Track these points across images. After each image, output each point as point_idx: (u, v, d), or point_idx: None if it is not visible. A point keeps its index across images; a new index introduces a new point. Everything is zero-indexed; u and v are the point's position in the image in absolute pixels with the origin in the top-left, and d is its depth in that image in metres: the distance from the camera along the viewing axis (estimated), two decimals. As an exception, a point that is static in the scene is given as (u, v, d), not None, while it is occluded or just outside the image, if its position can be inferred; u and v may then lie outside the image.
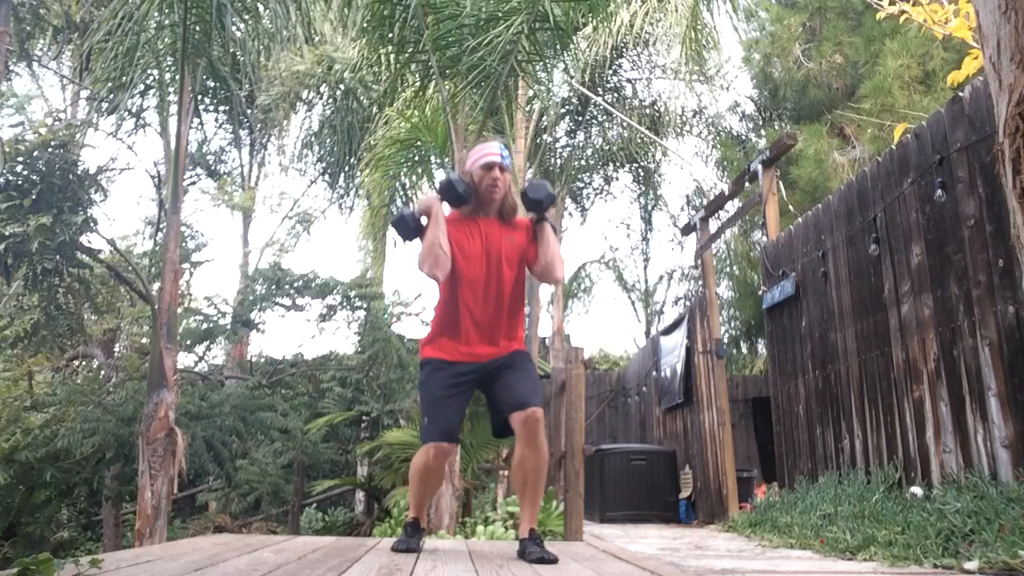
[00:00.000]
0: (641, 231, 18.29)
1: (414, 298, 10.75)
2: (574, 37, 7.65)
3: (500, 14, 5.66)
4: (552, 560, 2.63)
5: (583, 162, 13.73)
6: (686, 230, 10.00)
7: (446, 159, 6.84)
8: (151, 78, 7.03)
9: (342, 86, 12.73)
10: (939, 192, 4.50)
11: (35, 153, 7.35)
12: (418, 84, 6.88)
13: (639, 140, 13.16)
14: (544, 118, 12.42)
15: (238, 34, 7.02)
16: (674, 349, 9.27)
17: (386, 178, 8.03)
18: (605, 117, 13.20)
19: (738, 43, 14.05)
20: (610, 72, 12.87)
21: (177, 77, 6.59)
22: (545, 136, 12.99)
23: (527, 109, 10.71)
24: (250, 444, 9.31)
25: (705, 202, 11.82)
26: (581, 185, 14.99)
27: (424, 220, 2.95)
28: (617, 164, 14.32)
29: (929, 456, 4.61)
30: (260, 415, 8.84)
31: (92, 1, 11.00)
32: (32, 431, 8.27)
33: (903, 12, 5.43)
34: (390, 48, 6.67)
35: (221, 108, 12.23)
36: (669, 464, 8.72)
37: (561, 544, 3.80)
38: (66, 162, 7.46)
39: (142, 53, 6.42)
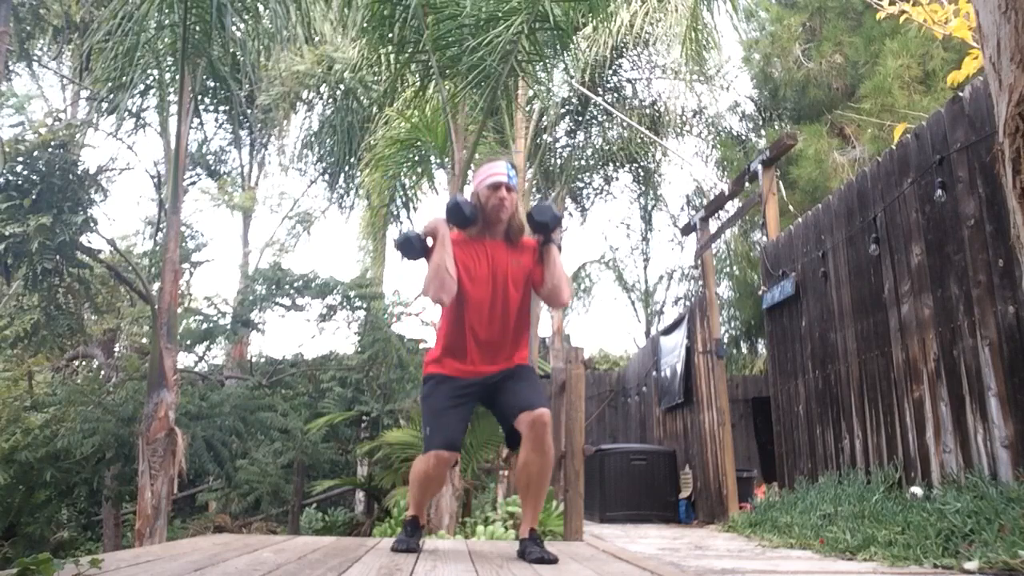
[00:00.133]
0: (641, 231, 18.31)
1: (414, 298, 10.75)
2: (574, 37, 7.65)
3: (500, 14, 5.66)
4: (552, 560, 2.63)
5: (583, 162, 13.73)
6: (686, 230, 10.00)
7: (446, 159, 6.84)
8: (151, 78, 7.03)
9: (342, 86, 12.73)
10: (939, 192, 4.50)
11: (35, 153, 7.35)
12: (418, 84, 6.88)
13: (639, 140, 13.17)
14: (544, 118, 12.42)
15: (238, 34, 7.02)
16: (674, 349, 9.27)
17: (386, 178, 8.02)
18: (605, 117, 13.21)
19: (738, 43, 14.06)
20: (610, 72, 12.88)
21: (177, 77, 6.59)
22: (545, 136, 13.00)
23: (527, 109, 10.71)
24: (250, 444, 9.31)
25: (705, 202, 11.82)
26: (581, 185, 14.99)
27: (430, 242, 2.91)
28: (617, 164, 14.32)
29: (929, 456, 4.61)
30: (260, 415, 8.84)
31: (92, 1, 11.00)
32: (32, 431, 8.27)
33: (903, 12, 5.43)
34: (390, 48, 6.67)
35: (221, 108, 12.24)
36: (669, 464, 8.72)
37: (561, 544, 3.80)
38: (66, 162, 7.46)
39: (142, 53, 6.42)
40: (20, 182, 7.31)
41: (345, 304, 10.39)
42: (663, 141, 13.35)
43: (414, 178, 8.01)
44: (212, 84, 7.81)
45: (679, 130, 13.82)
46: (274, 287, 10.10)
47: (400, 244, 2.96)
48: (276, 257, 16.52)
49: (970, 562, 3.21)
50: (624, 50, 12.48)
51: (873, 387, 5.29)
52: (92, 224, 7.66)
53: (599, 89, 12.77)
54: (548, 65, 6.78)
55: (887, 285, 5.17)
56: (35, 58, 12.85)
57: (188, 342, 10.45)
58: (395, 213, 8.38)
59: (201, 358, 12.39)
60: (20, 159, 7.35)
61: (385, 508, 7.36)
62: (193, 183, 15.22)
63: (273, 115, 14.15)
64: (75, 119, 11.47)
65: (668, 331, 9.87)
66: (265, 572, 2.16)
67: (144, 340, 11.38)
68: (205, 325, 10.26)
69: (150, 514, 5.86)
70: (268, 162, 16.65)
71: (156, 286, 7.15)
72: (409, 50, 6.46)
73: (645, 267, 18.70)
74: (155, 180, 12.30)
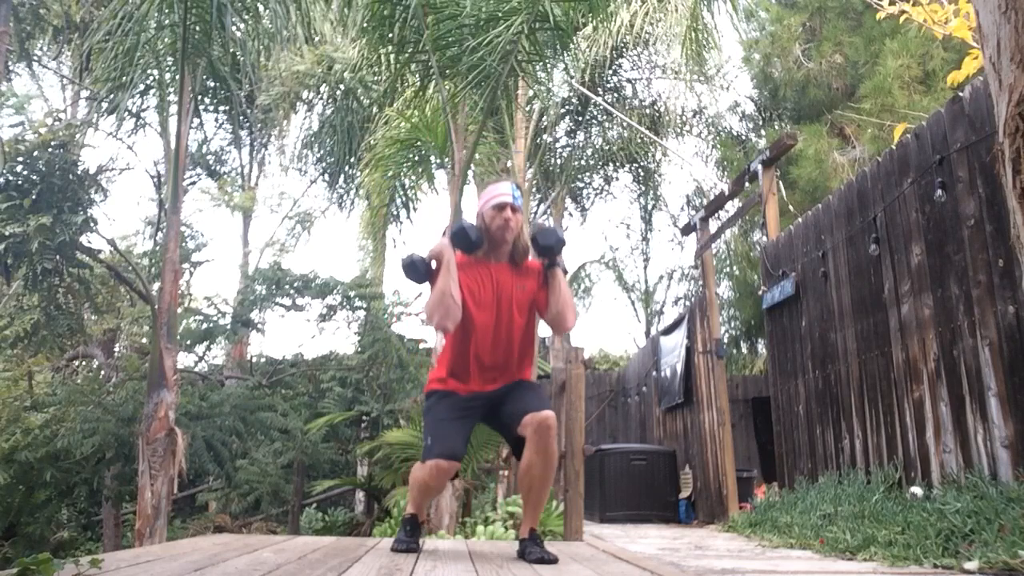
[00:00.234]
0: (641, 231, 18.31)
1: (414, 298, 10.75)
2: (574, 37, 7.65)
3: (500, 14, 5.66)
4: (552, 560, 2.63)
5: (583, 162, 13.73)
6: (686, 230, 10.00)
7: (446, 159, 6.84)
8: (151, 78, 7.03)
9: (342, 86, 12.73)
10: (939, 192, 4.50)
11: (35, 153, 7.35)
12: (418, 84, 6.88)
13: (639, 140, 13.17)
14: (544, 118, 12.42)
15: (238, 34, 7.02)
16: (674, 349, 9.27)
17: (386, 178, 8.02)
18: (605, 117, 13.21)
19: (738, 43, 14.05)
20: (610, 72, 12.88)
21: (177, 77, 6.59)
22: (545, 136, 13.00)
23: (527, 109, 10.71)
24: (250, 444, 9.31)
25: (705, 202, 11.82)
26: (581, 185, 15.00)
27: (434, 265, 2.87)
28: (617, 164, 14.33)
29: (929, 456, 4.61)
30: (260, 415, 8.85)
31: (92, 1, 11.00)
32: (32, 431, 8.27)
33: (903, 12, 5.43)
34: (390, 48, 6.67)
35: (221, 108, 12.25)
36: (669, 464, 8.72)
37: (561, 544, 3.80)
38: (66, 162, 7.46)
39: (142, 53, 6.42)
40: (20, 182, 7.31)
41: (345, 304, 10.39)
42: (663, 141, 13.35)
43: (414, 178, 8.01)
44: (212, 84, 7.82)
45: (679, 130, 13.83)
46: (274, 287, 10.10)
47: (405, 267, 2.92)
48: (276, 257, 16.53)
49: (970, 562, 3.21)
50: (624, 50, 12.48)
51: (873, 387, 5.29)
52: (92, 224, 7.66)
53: (599, 89, 12.77)
54: (548, 65, 6.78)
55: (887, 285, 5.17)
56: (35, 58, 12.85)
57: (188, 342, 10.45)
58: (395, 213, 8.38)
59: (201, 358, 12.40)
60: (20, 159, 7.35)
61: (385, 508, 7.37)
62: (193, 183, 15.23)
63: (273, 115, 14.16)
64: (75, 119, 11.48)
65: (668, 331, 9.87)
66: (265, 572, 2.16)
67: (144, 340, 11.38)
68: (205, 325, 10.26)
69: (150, 514, 5.86)
70: (268, 162, 16.66)
71: (156, 286, 7.15)
72: (409, 50, 6.46)
73: (645, 267, 18.71)
74: (155, 180, 12.30)
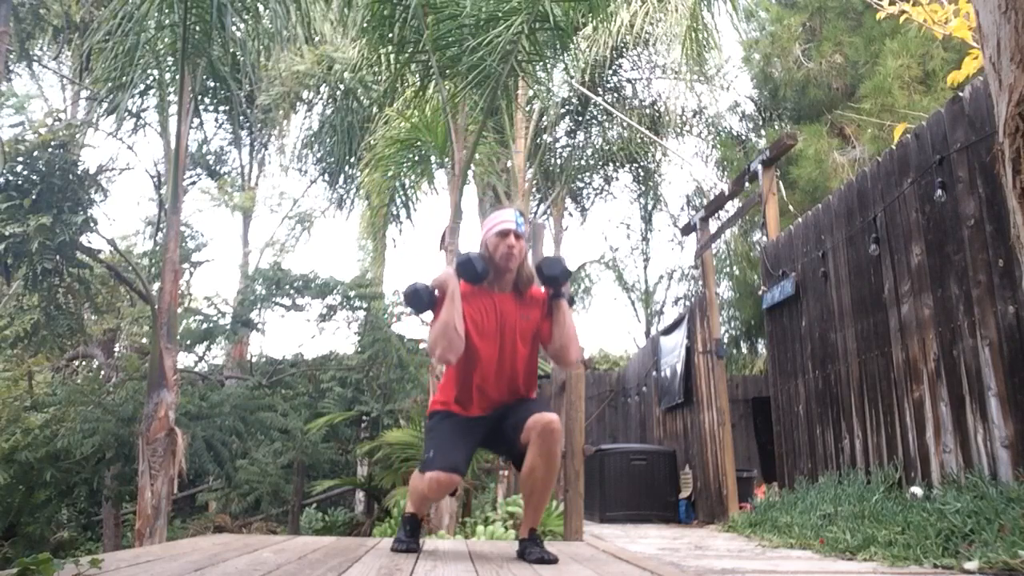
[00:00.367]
0: (641, 231, 18.30)
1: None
2: (574, 37, 7.65)
3: (500, 14, 5.66)
4: (552, 560, 2.63)
5: (583, 162, 13.73)
6: (686, 230, 10.00)
7: (446, 159, 6.84)
8: (151, 78, 7.03)
9: (342, 86, 12.74)
10: (939, 192, 4.50)
11: (35, 153, 7.35)
12: (418, 84, 6.88)
13: (639, 140, 13.17)
14: (544, 118, 12.43)
15: (238, 34, 7.02)
16: (674, 349, 9.27)
17: (386, 178, 8.03)
18: (605, 117, 13.21)
19: (738, 43, 14.04)
20: (610, 72, 12.88)
21: (177, 77, 6.59)
22: (545, 136, 13.00)
23: (527, 109, 10.72)
24: (250, 444, 9.32)
25: (705, 202, 11.82)
26: (581, 185, 15.00)
27: (437, 293, 2.84)
28: (617, 164, 14.33)
29: (929, 456, 4.61)
30: (260, 415, 8.85)
31: (92, 1, 11.00)
32: (32, 431, 8.28)
33: (903, 12, 5.43)
34: (390, 48, 6.67)
35: (221, 108, 12.24)
36: (669, 464, 8.72)
37: (561, 544, 3.80)
38: (66, 162, 7.47)
39: (142, 53, 6.42)
40: (20, 182, 7.31)
41: (345, 304, 10.40)
42: (663, 141, 13.35)
43: (414, 178, 8.01)
44: (212, 84, 7.82)
45: (679, 130, 13.83)
46: (274, 287, 10.11)
47: (408, 295, 2.89)
48: (276, 257, 16.54)
49: (970, 562, 3.21)
50: (624, 50, 12.48)
51: (873, 387, 5.29)
52: (92, 224, 7.66)
53: (599, 89, 12.77)
54: (548, 65, 6.78)
55: (887, 285, 5.17)
56: (35, 58, 12.86)
57: (188, 342, 10.46)
58: (395, 213, 8.38)
59: (201, 358, 12.41)
60: (20, 159, 7.35)
61: (385, 508, 7.37)
62: (193, 183, 15.24)
63: (273, 115, 14.16)
64: (75, 119, 11.48)
65: (668, 331, 9.87)
66: (265, 572, 2.16)
67: (144, 340, 11.39)
68: (205, 325, 10.27)
69: (150, 514, 5.86)
70: (268, 162, 16.67)
71: (156, 286, 7.15)
72: (409, 50, 6.46)
73: (645, 267, 18.71)
74: (155, 180, 12.30)
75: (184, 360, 11.45)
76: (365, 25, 6.54)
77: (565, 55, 6.92)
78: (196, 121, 8.05)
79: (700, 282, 10.35)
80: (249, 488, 9.46)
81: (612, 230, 29.33)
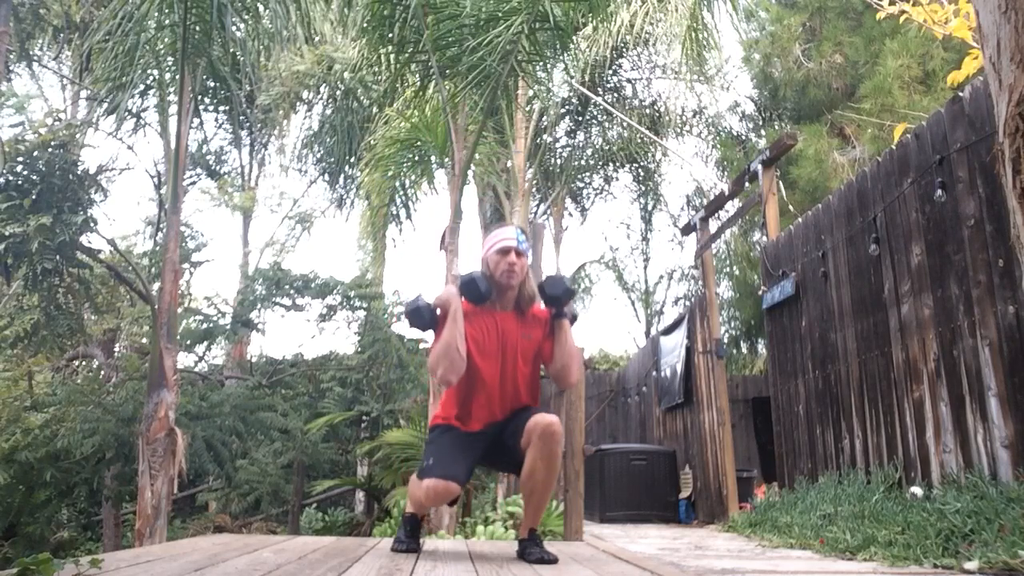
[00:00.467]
0: (641, 231, 18.30)
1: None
2: (574, 37, 7.65)
3: (500, 14, 5.66)
4: (552, 560, 2.63)
5: (583, 162, 13.73)
6: (686, 230, 10.00)
7: (446, 159, 6.84)
8: (151, 78, 7.03)
9: (342, 86, 12.74)
10: (939, 192, 4.50)
11: (35, 153, 7.36)
12: (418, 84, 6.88)
13: (639, 140, 13.17)
14: (544, 118, 12.42)
15: (238, 34, 7.02)
16: (674, 349, 9.27)
17: (386, 178, 8.03)
18: (605, 117, 13.21)
19: (738, 43, 14.05)
20: (610, 72, 12.88)
21: (177, 77, 6.59)
22: (545, 136, 13.00)
23: (527, 109, 10.72)
24: (250, 444, 9.32)
25: (705, 202, 11.83)
26: (581, 185, 14.99)
27: (439, 311, 2.81)
28: (617, 164, 14.33)
29: (929, 456, 4.61)
30: (260, 415, 8.86)
31: (92, 1, 11.00)
32: (32, 431, 8.28)
33: (903, 12, 5.43)
34: (390, 48, 6.67)
35: (221, 108, 12.24)
36: (669, 464, 8.72)
37: (561, 544, 3.80)
38: (66, 162, 7.47)
39: (142, 53, 6.42)
40: (20, 182, 7.31)
41: (345, 304, 10.41)
42: (663, 141, 13.35)
43: (414, 178, 8.01)
44: (212, 84, 7.81)
45: (679, 130, 13.82)
46: (274, 287, 10.12)
47: (410, 312, 2.86)
48: (276, 257, 16.55)
49: (970, 562, 3.21)
50: (624, 50, 12.48)
51: (873, 387, 5.29)
52: (92, 224, 7.66)
53: (599, 89, 12.77)
54: (548, 65, 6.77)
55: (887, 285, 5.17)
56: (35, 58, 12.86)
57: (188, 342, 10.46)
58: (395, 213, 8.39)
59: (201, 358, 12.41)
60: (20, 159, 7.35)
61: (385, 508, 7.37)
62: (193, 183, 15.25)
63: (273, 115, 14.17)
64: (75, 119, 11.48)
65: (668, 331, 9.87)
66: (265, 572, 2.16)
67: (144, 340, 11.39)
68: (205, 325, 10.28)
69: (150, 514, 5.86)
70: (268, 162, 16.67)
71: (156, 286, 7.15)
72: (409, 50, 6.46)
73: (645, 267, 18.70)
74: (155, 180, 12.30)
75: (184, 360, 11.47)
76: (365, 25, 6.54)
77: (565, 55, 6.92)
78: (196, 121, 8.05)
79: (700, 282, 10.36)
80: (249, 488, 9.47)
81: (612, 230, 29.35)
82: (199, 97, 7.29)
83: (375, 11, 6.30)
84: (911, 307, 4.88)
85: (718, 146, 13.63)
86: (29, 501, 8.49)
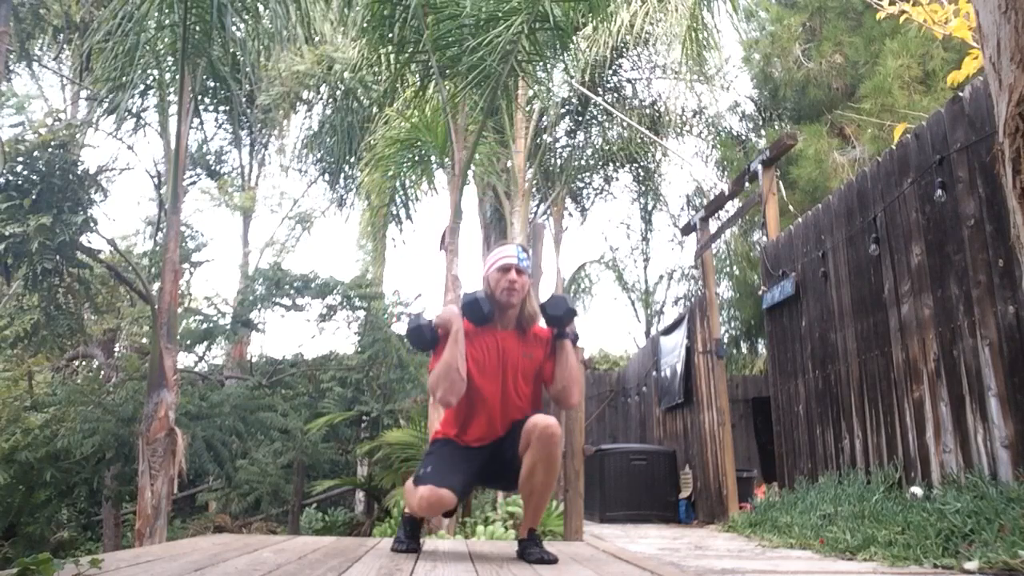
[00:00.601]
0: (641, 231, 18.29)
1: (414, 298, 10.75)
2: (574, 37, 7.65)
3: (500, 14, 5.66)
4: (552, 560, 2.63)
5: (583, 162, 13.72)
6: (686, 230, 10.00)
7: (446, 159, 6.84)
8: (151, 78, 7.03)
9: (342, 86, 12.74)
10: (939, 192, 4.50)
11: (35, 153, 7.35)
12: (418, 84, 6.89)
13: (639, 140, 13.16)
14: (544, 118, 12.42)
15: (238, 34, 7.02)
16: (674, 349, 9.27)
17: (386, 178, 8.03)
18: (605, 117, 13.20)
19: (738, 43, 14.05)
20: (610, 72, 12.86)
21: (177, 77, 6.59)
22: (545, 136, 12.99)
23: (527, 109, 10.71)
24: (250, 444, 9.32)
25: (705, 202, 11.82)
26: (581, 185, 14.98)
27: (440, 332, 2.79)
28: (617, 164, 14.31)
29: (929, 456, 4.61)
30: (260, 415, 8.85)
31: (92, 1, 11.00)
32: (32, 431, 8.28)
33: (903, 12, 5.43)
34: (390, 48, 6.67)
35: (221, 108, 12.23)
36: (669, 464, 8.72)
37: (561, 544, 3.80)
38: (66, 162, 7.47)
39: (142, 53, 6.42)
40: (20, 182, 7.31)
41: (345, 304, 10.40)
42: (663, 141, 13.34)
43: (414, 178, 8.01)
44: (212, 84, 7.81)
45: (679, 130, 13.81)
46: (274, 287, 10.11)
47: (411, 331, 2.83)
48: (276, 257, 16.55)
49: (970, 562, 3.21)
50: (624, 50, 12.47)
51: (873, 387, 5.29)
52: (92, 224, 7.66)
53: (599, 89, 12.76)
54: (548, 65, 6.78)
55: (887, 285, 5.17)
56: (35, 58, 12.85)
57: (188, 342, 10.46)
58: (395, 213, 8.39)
59: (201, 358, 12.41)
60: (20, 159, 7.35)
61: (385, 508, 7.37)
62: (193, 183, 15.25)
63: (273, 115, 14.16)
64: (75, 119, 11.48)
65: (668, 331, 9.87)
66: (265, 572, 2.16)
67: (144, 340, 11.39)
68: (205, 325, 10.27)
69: (150, 514, 5.86)
70: (268, 162, 16.67)
71: (156, 286, 7.15)
72: (409, 50, 6.46)
73: (645, 267, 18.70)
74: (155, 180, 12.30)
75: (184, 360, 11.46)
76: (365, 25, 6.54)
77: (565, 55, 6.91)
78: (196, 121, 8.05)
79: (700, 282, 10.35)
80: (249, 488, 9.47)
81: (612, 230, 29.33)
82: (199, 97, 7.29)
83: (375, 11, 6.30)
84: (911, 307, 4.88)
85: (718, 146, 13.63)
86: (29, 501, 8.49)
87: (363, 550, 2.95)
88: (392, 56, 6.72)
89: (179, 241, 6.85)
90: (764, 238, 7.54)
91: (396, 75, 7.09)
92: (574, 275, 18.73)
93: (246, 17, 6.92)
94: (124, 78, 6.63)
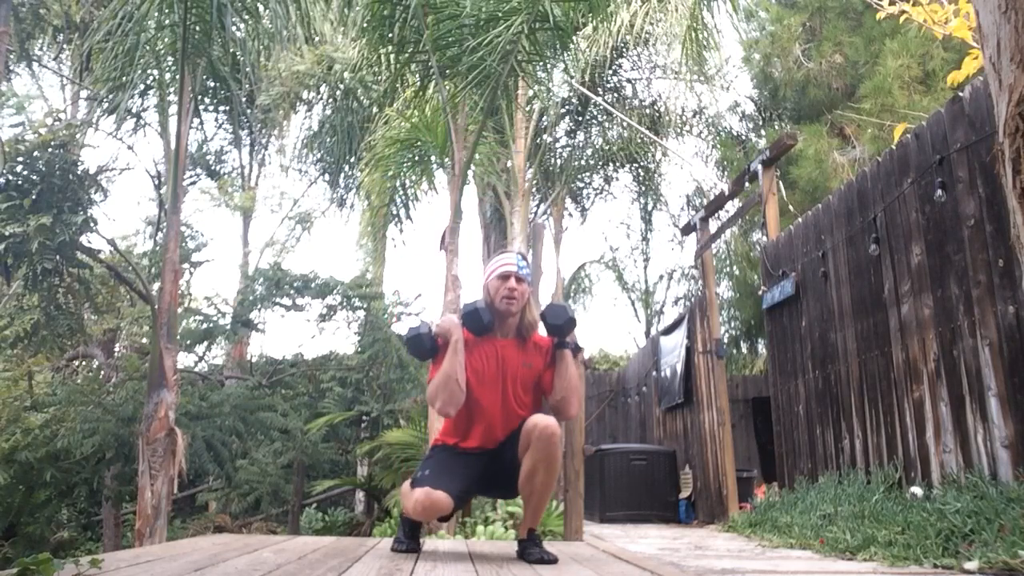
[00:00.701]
0: (641, 231, 18.28)
1: (414, 298, 10.76)
2: (574, 37, 7.65)
3: (500, 14, 5.66)
4: (552, 560, 2.63)
5: (583, 162, 13.72)
6: (686, 230, 10.00)
7: (446, 159, 6.84)
8: (151, 78, 7.03)
9: (342, 86, 12.74)
10: (939, 192, 4.50)
11: (35, 153, 7.35)
12: (418, 84, 6.89)
13: (639, 140, 13.15)
14: (544, 118, 12.41)
15: (238, 34, 7.02)
16: (674, 349, 9.27)
17: (386, 178, 8.03)
18: (605, 117, 13.19)
19: (738, 43, 14.05)
20: (610, 72, 12.86)
21: (177, 77, 6.59)
22: (545, 136, 12.98)
23: (527, 109, 10.71)
24: (250, 444, 9.32)
25: (705, 202, 11.82)
26: (581, 185, 14.98)
27: (440, 341, 2.78)
28: (617, 164, 14.31)
29: (929, 456, 4.61)
30: (260, 415, 8.85)
31: (92, 1, 11.00)
32: (32, 431, 8.28)
33: (903, 12, 5.43)
34: (390, 48, 6.67)
35: (221, 108, 12.24)
36: (669, 464, 8.72)
37: (561, 544, 3.80)
38: (66, 162, 7.46)
39: (142, 53, 6.42)
40: (20, 182, 7.31)
41: (345, 304, 10.40)
42: (663, 141, 13.34)
43: (414, 178, 8.01)
44: (212, 84, 7.81)
45: (679, 130, 13.81)
46: (274, 287, 10.11)
47: (410, 340, 2.82)
48: (276, 257, 16.54)
49: (970, 562, 3.21)
50: (624, 50, 12.47)
51: (873, 387, 5.29)
52: (92, 224, 7.66)
53: (599, 89, 12.76)
54: (548, 65, 6.77)
55: (887, 285, 5.17)
56: (35, 58, 12.86)
57: (188, 342, 10.46)
58: (395, 213, 8.39)
59: (201, 358, 12.41)
60: (20, 159, 7.35)
61: (385, 508, 7.37)
62: (193, 183, 15.24)
63: (273, 115, 14.16)
64: (75, 119, 11.48)
65: (668, 331, 9.87)
66: (265, 572, 2.16)
67: (144, 340, 11.39)
68: (205, 325, 10.27)
69: (150, 514, 5.86)
70: (268, 162, 16.65)
71: (156, 286, 7.15)
72: (409, 50, 6.46)
73: (645, 267, 18.70)
74: (155, 180, 12.30)
75: (184, 360, 11.46)
76: (365, 25, 6.54)
77: (565, 55, 6.91)
78: (196, 121, 8.05)
79: (700, 282, 10.35)
80: (249, 488, 9.46)
81: (612, 230, 29.27)
82: (199, 97, 7.29)
83: (375, 11, 6.30)
84: (911, 307, 4.88)
85: (718, 146, 13.63)
86: (29, 501, 8.49)
87: (363, 550, 2.95)
88: (392, 56, 6.72)
89: (179, 241, 6.85)
90: (764, 238, 7.54)
91: (396, 75, 7.08)
92: (574, 275, 18.74)
93: (246, 17, 6.91)
94: (124, 78, 6.63)
